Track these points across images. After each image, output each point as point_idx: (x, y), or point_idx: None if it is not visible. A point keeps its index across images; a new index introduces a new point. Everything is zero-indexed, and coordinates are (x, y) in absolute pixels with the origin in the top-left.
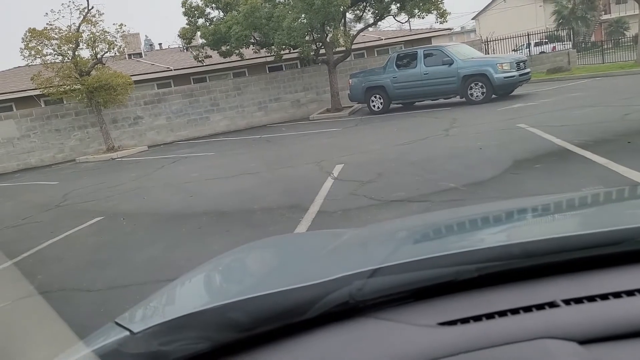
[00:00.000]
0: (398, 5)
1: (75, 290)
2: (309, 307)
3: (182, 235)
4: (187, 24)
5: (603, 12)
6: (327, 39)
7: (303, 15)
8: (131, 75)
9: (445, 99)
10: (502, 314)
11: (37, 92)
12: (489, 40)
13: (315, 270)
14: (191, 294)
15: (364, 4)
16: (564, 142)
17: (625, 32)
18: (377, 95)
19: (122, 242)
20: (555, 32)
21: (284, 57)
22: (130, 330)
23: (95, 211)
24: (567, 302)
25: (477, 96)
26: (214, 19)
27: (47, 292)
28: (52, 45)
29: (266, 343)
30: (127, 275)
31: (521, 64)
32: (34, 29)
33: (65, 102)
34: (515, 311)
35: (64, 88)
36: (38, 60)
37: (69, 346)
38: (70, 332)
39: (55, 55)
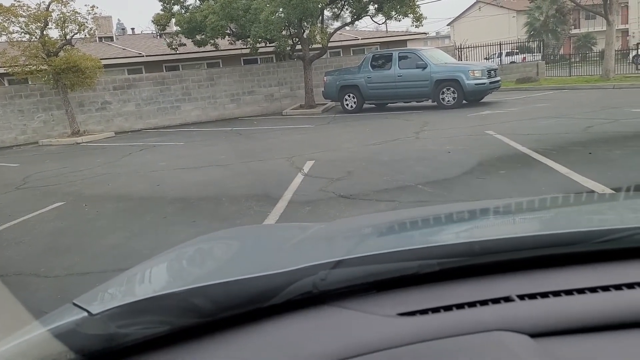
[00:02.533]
0: (376, 6)
1: (33, 275)
2: (272, 295)
3: (146, 224)
4: (161, 10)
5: (573, 27)
6: (304, 35)
7: (281, 9)
8: (101, 59)
9: (417, 102)
10: (459, 306)
11: (1, 70)
12: (462, 47)
13: (280, 260)
14: (153, 279)
15: (343, 2)
16: (528, 150)
17: (592, 47)
18: (351, 95)
19: (83, 228)
20: (526, 43)
21: (260, 50)
22: (88, 312)
23: (57, 196)
24: (521, 297)
25: (448, 101)
26: (190, 7)
27: (2, 276)
28: (19, 22)
29: (228, 328)
30: (87, 262)
31: (492, 72)
32: (0, 5)
33: (30, 83)
34: (472, 304)
35: (30, 68)
36: (3, 38)
37: (25, 326)
38: (27, 314)
39: (22, 34)
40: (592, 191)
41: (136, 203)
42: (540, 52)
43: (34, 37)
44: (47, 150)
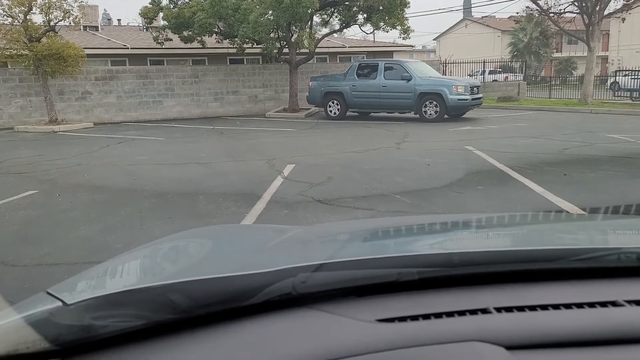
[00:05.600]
0: (365, 15)
1: (0, 263)
2: (251, 294)
3: (121, 218)
4: (149, 3)
5: (555, 50)
6: (292, 39)
7: (270, 12)
8: (85, 48)
9: (400, 113)
10: (438, 315)
11: None
12: (447, 62)
13: (260, 260)
14: (129, 272)
15: (332, 9)
16: (506, 167)
17: (573, 71)
18: (335, 101)
19: (56, 218)
20: (509, 63)
21: (247, 51)
22: (63, 301)
23: (30, 184)
24: (498, 309)
25: (430, 114)
26: (179, 2)
27: None
28: (2, 5)
29: (206, 325)
30: (58, 253)
31: (475, 88)
32: None
33: (9, 67)
34: (450, 314)
35: (10, 52)
36: None
37: None
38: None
39: (5, 17)
40: (566, 211)
41: (112, 196)
42: (522, 72)
43: (16, 21)
44: (22, 137)
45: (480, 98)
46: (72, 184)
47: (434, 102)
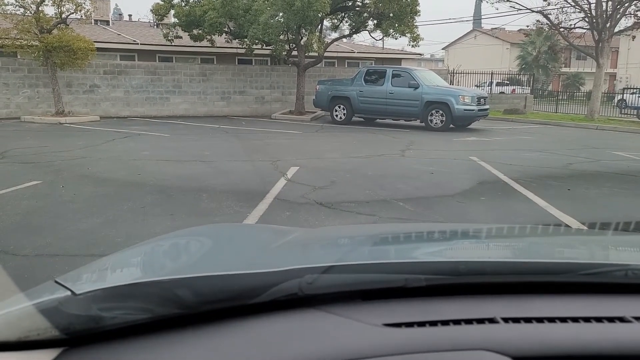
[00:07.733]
0: (375, 22)
1: (0, 252)
2: (257, 293)
3: (123, 213)
4: (161, 0)
5: (563, 65)
6: (301, 42)
7: (281, 14)
8: (95, 42)
9: (405, 120)
10: (445, 323)
11: None
12: (455, 71)
13: (265, 260)
14: (136, 266)
15: (343, 14)
16: (510, 180)
17: (580, 86)
18: (342, 106)
19: (58, 210)
20: (517, 75)
21: (256, 51)
22: (71, 291)
23: (34, 174)
24: (505, 320)
25: (436, 123)
26: (191, 0)
27: None
28: None
29: (211, 321)
30: (59, 244)
31: (481, 99)
32: None
33: (19, 57)
34: (457, 322)
35: (21, 42)
36: None
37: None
38: (11, 284)
39: (17, 7)
40: (568, 226)
41: (115, 190)
42: (529, 85)
43: (28, 12)
44: (28, 127)
45: (486, 109)
46: (75, 176)
47: (440, 111)
